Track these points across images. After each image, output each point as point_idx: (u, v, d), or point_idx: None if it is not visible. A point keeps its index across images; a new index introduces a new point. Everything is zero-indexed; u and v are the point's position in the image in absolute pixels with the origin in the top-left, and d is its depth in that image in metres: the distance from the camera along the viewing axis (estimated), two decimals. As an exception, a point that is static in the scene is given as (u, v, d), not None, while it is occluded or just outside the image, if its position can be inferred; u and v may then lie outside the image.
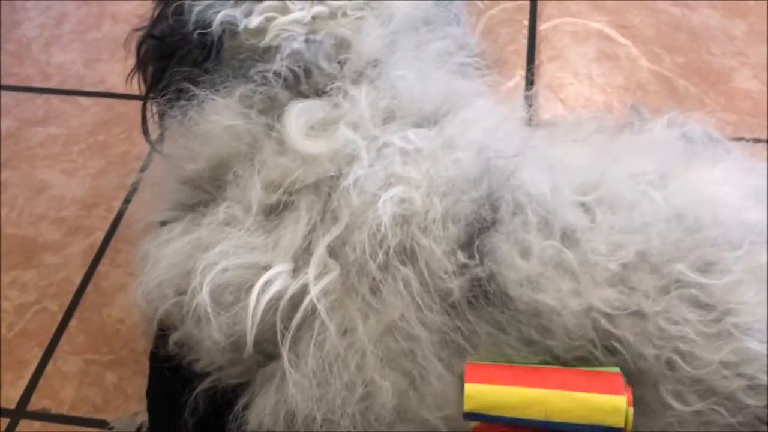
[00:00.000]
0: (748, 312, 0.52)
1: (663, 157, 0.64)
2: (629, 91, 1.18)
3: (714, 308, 0.52)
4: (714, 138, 0.72)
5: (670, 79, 1.20)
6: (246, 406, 0.64)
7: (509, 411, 0.51)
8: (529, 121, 0.77)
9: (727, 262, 0.54)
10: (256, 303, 0.60)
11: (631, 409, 0.50)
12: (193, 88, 0.68)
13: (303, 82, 0.67)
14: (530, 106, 1.13)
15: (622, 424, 0.50)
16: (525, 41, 1.27)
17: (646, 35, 1.27)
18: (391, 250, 0.58)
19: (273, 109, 0.66)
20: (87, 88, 1.27)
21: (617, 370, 0.51)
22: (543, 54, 1.25)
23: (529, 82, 1.20)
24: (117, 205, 1.10)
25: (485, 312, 0.55)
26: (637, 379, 0.52)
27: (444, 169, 0.61)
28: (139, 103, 0.78)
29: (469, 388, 0.51)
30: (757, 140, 1.08)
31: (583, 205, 0.58)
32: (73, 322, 0.98)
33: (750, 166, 0.64)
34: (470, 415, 0.52)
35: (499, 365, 0.54)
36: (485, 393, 0.51)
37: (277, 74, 0.66)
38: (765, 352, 0.51)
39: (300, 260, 0.61)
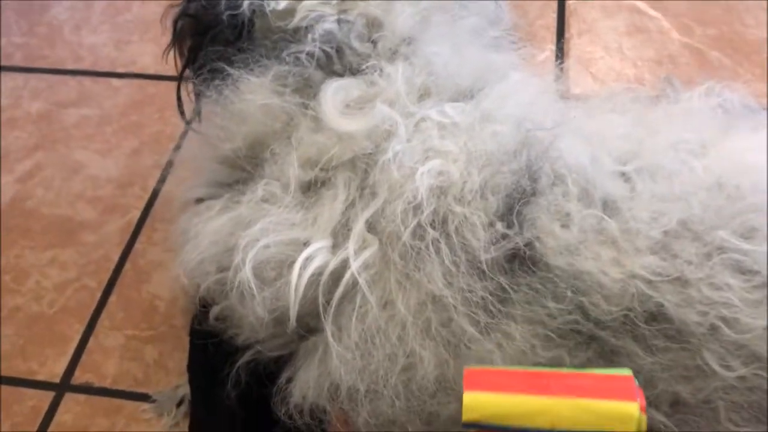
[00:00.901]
0: (792, 277, 0.52)
1: (702, 126, 0.63)
2: (660, 64, 1.17)
3: (757, 274, 0.52)
4: (752, 107, 0.72)
5: (701, 51, 1.19)
6: (289, 380, 0.65)
7: (512, 421, 0.47)
8: (561, 96, 0.77)
9: (770, 228, 0.54)
10: (298, 278, 0.61)
11: (645, 416, 0.46)
12: (227, 67, 0.68)
13: (336, 62, 0.67)
14: (561, 80, 1.13)
15: None
16: (554, 15, 1.26)
17: (677, 7, 1.25)
18: (427, 220, 0.58)
19: (307, 88, 0.67)
20: (119, 70, 1.28)
21: (629, 372, 0.48)
22: (573, 28, 1.24)
23: (559, 56, 1.19)
24: (152, 183, 1.11)
25: (522, 278, 0.55)
26: (680, 346, 0.52)
27: (482, 142, 0.61)
28: (171, 84, 0.79)
29: (469, 397, 0.47)
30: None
31: (623, 174, 0.58)
32: (112, 299, 0.99)
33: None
34: (470, 425, 0.48)
35: (501, 370, 0.51)
36: (486, 402, 0.47)
37: (309, 55, 0.67)
38: (809, 316, 0.51)
39: (339, 236, 0.62)
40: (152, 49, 1.28)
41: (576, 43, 1.22)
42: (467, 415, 0.47)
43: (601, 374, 0.49)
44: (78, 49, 1.33)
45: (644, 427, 0.46)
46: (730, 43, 1.19)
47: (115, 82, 1.27)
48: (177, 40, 0.75)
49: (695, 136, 0.61)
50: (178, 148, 1.11)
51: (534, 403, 0.47)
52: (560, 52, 1.20)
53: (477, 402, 0.47)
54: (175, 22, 0.74)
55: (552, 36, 1.23)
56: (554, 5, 1.27)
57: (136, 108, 1.22)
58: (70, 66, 1.30)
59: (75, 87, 1.27)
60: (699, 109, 0.68)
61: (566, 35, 1.23)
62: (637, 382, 0.47)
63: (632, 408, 0.45)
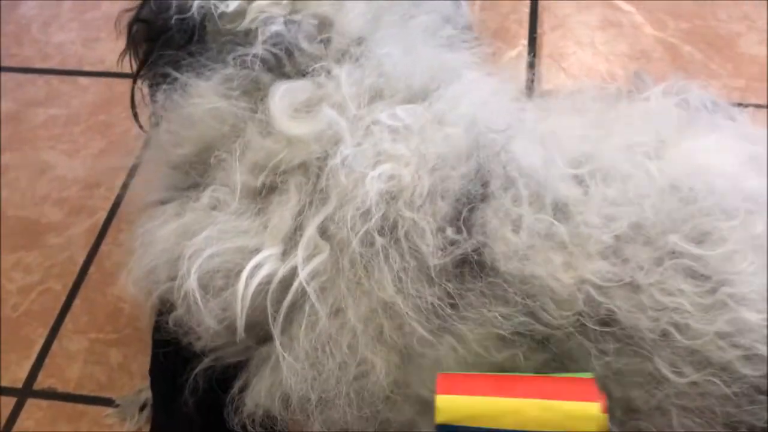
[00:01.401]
0: (744, 282, 0.51)
1: (658, 126, 0.63)
2: (633, 59, 1.17)
3: (709, 279, 0.52)
4: (716, 103, 0.71)
5: (675, 45, 1.18)
6: (242, 389, 0.64)
7: (483, 422, 0.49)
8: (532, 91, 0.76)
9: (722, 232, 0.53)
10: (245, 288, 0.59)
11: (606, 416, 0.48)
12: (175, 72, 0.67)
13: (286, 63, 0.66)
14: (533, 75, 1.12)
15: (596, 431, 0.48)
16: (527, 10, 1.25)
17: (651, 2, 1.24)
18: (376, 226, 0.57)
19: (256, 91, 0.66)
20: (87, 68, 1.27)
21: (590, 375, 0.51)
22: (545, 23, 1.23)
23: (532, 51, 1.18)
24: (119, 184, 1.10)
25: (472, 283, 0.55)
26: (632, 351, 0.52)
27: (434, 145, 0.60)
28: (139, 83, 0.78)
29: (441, 399, 0.50)
30: (758, 106, 1.07)
31: (575, 177, 0.57)
32: (77, 302, 0.98)
33: (750, 133, 0.63)
34: (443, 428, 0.50)
35: (472, 375, 0.53)
36: (458, 404, 0.50)
37: (256, 57, 0.65)
38: (760, 322, 0.50)
39: (290, 242, 0.61)
40: (121, 48, 1.26)
41: (548, 38, 1.21)
42: (440, 417, 0.49)
43: (565, 377, 0.51)
44: (46, 47, 1.31)
45: (606, 426, 0.48)
46: (703, 38, 1.18)
47: (82, 80, 1.25)
48: (131, 44, 0.74)
49: (651, 136, 0.60)
50: (145, 148, 1.10)
51: (502, 405, 0.49)
52: (533, 48, 1.19)
53: (449, 404, 0.49)
54: (130, 27, 0.73)
55: (525, 31, 1.22)
56: (527, 0, 1.26)
57: (104, 107, 1.20)
58: (37, 64, 1.29)
59: (43, 86, 1.25)
60: (657, 108, 0.67)
61: (539, 30, 1.22)
62: (599, 385, 0.49)
63: (594, 408, 0.48)
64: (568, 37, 1.21)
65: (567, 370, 0.54)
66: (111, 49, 1.28)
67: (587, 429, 0.48)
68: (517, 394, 0.50)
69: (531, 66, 1.15)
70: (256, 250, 0.61)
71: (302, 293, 0.59)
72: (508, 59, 1.17)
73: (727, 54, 1.16)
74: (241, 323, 0.60)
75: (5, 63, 1.29)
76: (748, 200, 0.54)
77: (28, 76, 1.27)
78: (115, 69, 1.24)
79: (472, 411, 0.49)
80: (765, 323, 0.50)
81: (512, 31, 1.22)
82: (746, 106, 1.00)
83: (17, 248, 1.05)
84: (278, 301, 0.60)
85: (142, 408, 0.86)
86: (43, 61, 1.29)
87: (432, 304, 0.55)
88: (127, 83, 1.21)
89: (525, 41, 1.21)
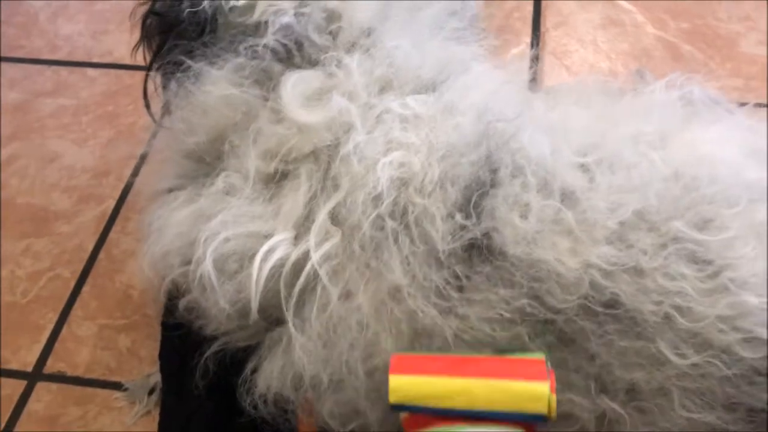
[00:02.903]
0: (745, 267, 0.53)
1: (662, 118, 0.64)
2: (634, 57, 1.18)
3: (711, 263, 0.53)
4: (715, 99, 0.73)
5: (675, 44, 1.20)
6: (254, 370, 0.65)
7: (434, 401, 0.51)
8: (535, 88, 0.77)
9: (725, 218, 0.55)
10: (259, 271, 0.61)
11: (554, 396, 0.49)
12: (188, 60, 0.69)
13: (295, 54, 0.68)
14: (535, 72, 1.14)
15: (545, 411, 0.49)
16: (530, 8, 1.27)
17: (652, 1, 1.26)
18: (387, 210, 0.59)
19: (267, 81, 0.67)
20: (95, 60, 1.28)
21: (541, 356, 0.52)
22: (548, 21, 1.25)
23: (535, 49, 1.19)
24: (127, 173, 1.11)
25: (479, 267, 0.56)
26: (635, 334, 0.53)
27: (444, 134, 0.62)
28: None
29: (394, 380, 0.51)
30: (757, 105, 1.08)
31: (582, 166, 0.59)
32: (86, 288, 0.99)
33: (751, 126, 0.65)
34: (396, 407, 0.52)
35: (426, 355, 0.54)
36: (410, 384, 0.51)
37: (267, 48, 0.67)
38: (761, 306, 0.52)
39: (301, 228, 0.62)
40: (128, 39, 1.27)
41: (551, 36, 1.23)
42: (393, 397, 0.51)
43: (515, 358, 0.53)
44: (54, 38, 1.32)
45: (554, 405, 0.49)
46: (703, 37, 1.20)
47: (91, 72, 1.26)
48: (145, 37, 0.76)
49: (655, 128, 0.62)
50: (153, 138, 1.11)
51: (453, 385, 0.51)
52: (535, 45, 1.21)
53: (401, 384, 0.51)
54: (144, 20, 0.75)
55: (528, 28, 1.24)
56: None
57: (112, 98, 1.22)
58: (46, 56, 1.30)
59: (51, 77, 1.26)
60: (661, 102, 0.69)
61: (542, 28, 1.23)
62: (548, 365, 0.51)
63: (542, 388, 0.49)
64: (570, 35, 1.22)
65: (570, 353, 0.55)
66: (119, 41, 1.29)
67: (536, 408, 0.49)
68: (468, 374, 0.51)
69: (534, 63, 1.16)
70: (269, 235, 0.62)
71: (314, 276, 0.60)
72: (511, 56, 1.19)
73: (727, 53, 1.18)
74: (254, 306, 0.61)
75: (14, 54, 1.31)
76: (749, 189, 0.56)
77: (37, 67, 1.28)
78: (123, 60, 1.27)
79: (423, 391, 0.51)
80: (765, 307, 0.52)
81: (515, 29, 1.24)
82: (746, 105, 1.02)
83: (26, 235, 1.06)
84: (291, 285, 0.62)
85: (151, 392, 0.88)
86: (52, 52, 1.30)
87: (438, 286, 0.57)
88: (135, 75, 1.24)
89: (528, 39, 1.23)
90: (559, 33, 1.23)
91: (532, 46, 1.20)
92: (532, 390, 0.49)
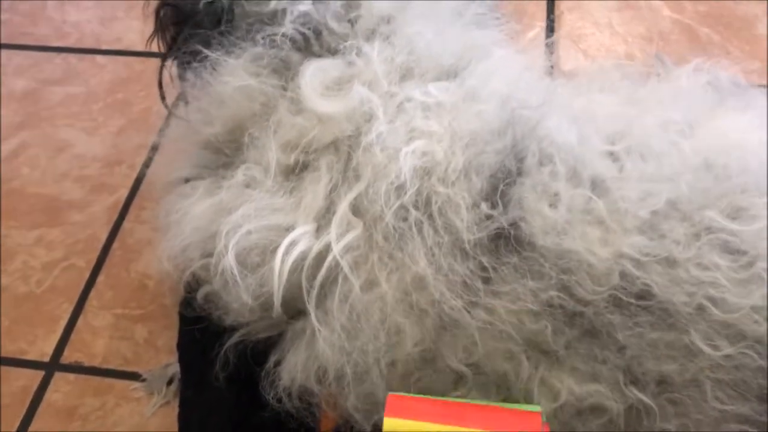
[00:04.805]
0: (779, 257, 0.52)
1: (690, 105, 0.63)
2: (650, 41, 1.17)
3: (745, 254, 0.53)
4: (740, 85, 0.72)
5: (692, 27, 1.18)
6: (278, 363, 0.65)
7: None
8: (550, 72, 0.76)
9: (757, 207, 0.54)
10: (281, 264, 0.60)
11: None
12: (205, 50, 0.68)
13: (314, 43, 0.67)
14: (551, 57, 1.12)
15: None
16: (544, -9, 1.25)
17: (668, -17, 1.24)
18: (410, 200, 0.58)
19: (285, 70, 0.66)
20: (104, 47, 1.27)
21: (538, 408, 0.52)
22: (563, 4, 1.23)
23: (550, 32, 1.18)
24: (139, 162, 1.10)
25: (507, 258, 0.56)
26: (667, 325, 0.53)
27: (466, 122, 0.61)
28: (157, 61, 0.78)
29: (388, 422, 0.52)
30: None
31: (611, 154, 0.58)
32: (101, 278, 0.99)
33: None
34: None
35: (423, 398, 0.55)
36: (404, 428, 0.52)
37: (285, 37, 0.66)
38: (795, 296, 0.51)
39: (323, 220, 0.62)
40: (138, 26, 1.26)
41: (566, 19, 1.21)
42: None
43: (512, 408, 0.53)
44: (62, 25, 1.31)
45: None
46: (720, 20, 1.19)
47: (100, 59, 1.25)
48: (160, 29, 0.75)
49: (684, 115, 0.61)
50: (166, 125, 1.10)
51: None
52: (550, 29, 1.19)
53: (396, 428, 0.52)
54: (158, 11, 0.74)
55: (542, 12, 1.22)
56: (545, -19, 1.26)
57: (123, 85, 1.21)
58: (54, 43, 1.28)
59: (60, 64, 1.25)
60: (688, 88, 0.68)
61: (556, 11, 1.22)
62: (544, 418, 0.52)
63: None
64: (585, 18, 1.21)
65: (599, 346, 0.55)
66: (129, 27, 1.28)
67: None
68: (463, 422, 0.52)
69: (549, 47, 1.15)
70: (291, 228, 0.62)
71: (336, 268, 0.60)
72: (526, 40, 1.17)
73: (744, 36, 1.16)
74: (278, 299, 0.61)
75: (22, 42, 1.29)
76: (782, 177, 0.55)
77: (46, 54, 1.27)
78: (133, 47, 1.25)
79: None
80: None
81: (530, 12, 1.22)
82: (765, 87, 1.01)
83: (39, 225, 1.05)
84: (313, 277, 0.61)
85: (169, 382, 0.87)
86: (60, 39, 1.29)
87: (465, 277, 0.56)
88: (146, 61, 1.23)
89: (543, 22, 1.21)
90: (574, 16, 1.21)
91: (546, 29, 1.18)
92: None
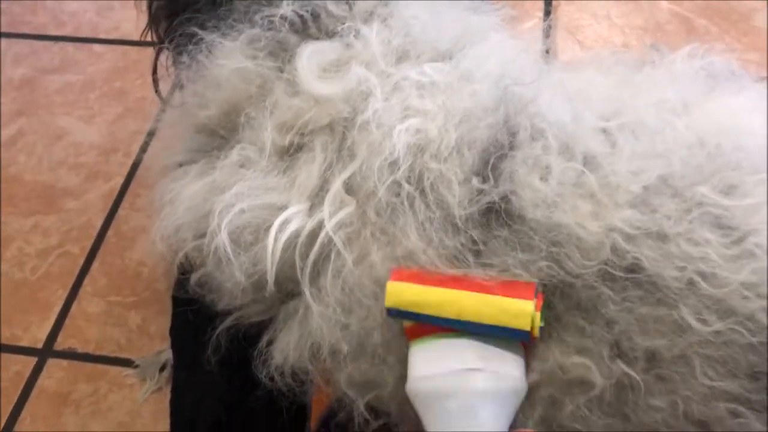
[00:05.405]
0: (770, 233, 0.52)
1: (685, 86, 0.63)
2: (648, 32, 1.17)
3: (736, 229, 0.52)
4: (735, 71, 0.71)
5: (690, 19, 1.18)
6: (270, 342, 0.65)
7: (425, 308, 0.54)
8: (546, 60, 0.76)
9: (749, 185, 0.53)
10: (275, 242, 0.60)
11: (539, 314, 0.52)
12: (201, 32, 0.67)
13: (311, 25, 0.66)
14: (548, 48, 1.12)
15: (528, 327, 0.52)
16: (542, -18, 1.25)
17: (666, -25, 1.24)
18: (403, 176, 0.58)
19: (282, 52, 0.66)
20: (101, 36, 1.27)
21: (533, 280, 0.54)
22: (561, -5, 1.23)
23: (547, 23, 1.18)
24: (135, 150, 1.10)
25: (497, 231, 0.55)
26: (656, 300, 0.52)
27: (460, 101, 0.61)
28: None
29: (391, 285, 0.55)
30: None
31: (604, 131, 0.58)
32: (95, 265, 0.99)
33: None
34: (392, 311, 0.55)
35: (424, 271, 0.56)
36: (404, 290, 0.55)
37: (283, 18, 0.66)
38: (786, 272, 0.51)
39: (316, 198, 0.61)
40: (134, 15, 1.26)
41: (564, 10, 1.21)
42: (388, 301, 0.55)
43: (507, 279, 0.55)
44: (60, 14, 1.31)
45: (537, 323, 0.52)
46: (717, 12, 1.19)
47: (97, 48, 1.25)
48: (152, 22, 0.74)
49: (678, 96, 0.61)
50: (162, 114, 1.10)
51: (444, 295, 0.54)
52: (548, 19, 1.19)
53: (397, 289, 0.55)
54: (150, 5, 0.73)
55: (540, 3, 1.22)
56: (542, -28, 1.26)
57: (119, 74, 1.21)
58: (52, 32, 1.29)
59: (57, 53, 1.26)
60: (682, 71, 0.67)
61: (554, 2, 1.22)
62: (539, 289, 0.54)
63: (528, 305, 0.52)
64: (583, 10, 1.21)
65: (587, 319, 0.54)
66: (125, 16, 1.28)
67: (519, 324, 0.52)
68: (460, 287, 0.54)
69: (546, 38, 1.15)
70: (284, 207, 0.61)
71: (329, 245, 0.60)
72: (524, 31, 1.17)
73: (742, 28, 1.16)
74: (271, 277, 0.60)
75: (19, 30, 1.30)
76: (774, 156, 0.55)
77: (43, 43, 1.27)
78: (130, 36, 1.26)
79: (416, 298, 0.54)
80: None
81: (527, 3, 1.22)
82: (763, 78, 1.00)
83: (34, 212, 1.05)
84: (306, 255, 0.61)
85: (162, 368, 0.88)
86: (57, 28, 1.29)
87: (456, 250, 0.56)
88: (142, 50, 1.23)
89: (540, 13, 1.21)
90: (572, 7, 1.21)
91: (544, 20, 1.18)
92: (519, 306, 0.52)
